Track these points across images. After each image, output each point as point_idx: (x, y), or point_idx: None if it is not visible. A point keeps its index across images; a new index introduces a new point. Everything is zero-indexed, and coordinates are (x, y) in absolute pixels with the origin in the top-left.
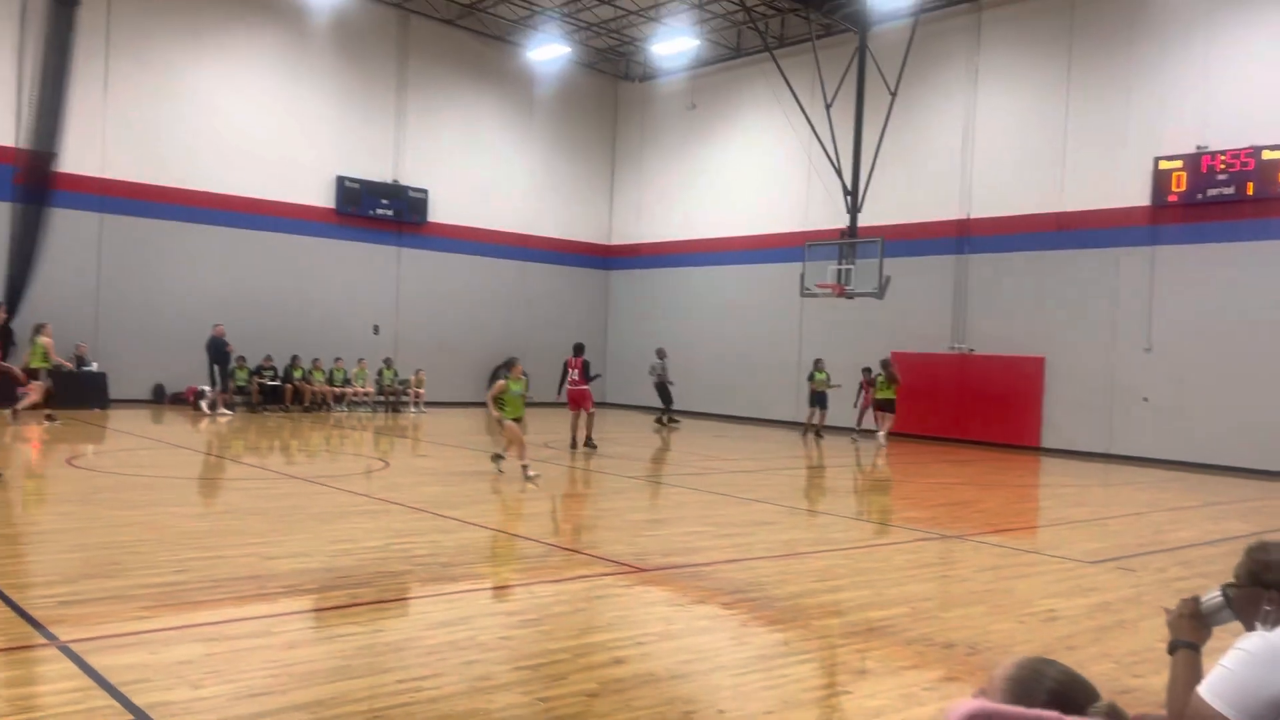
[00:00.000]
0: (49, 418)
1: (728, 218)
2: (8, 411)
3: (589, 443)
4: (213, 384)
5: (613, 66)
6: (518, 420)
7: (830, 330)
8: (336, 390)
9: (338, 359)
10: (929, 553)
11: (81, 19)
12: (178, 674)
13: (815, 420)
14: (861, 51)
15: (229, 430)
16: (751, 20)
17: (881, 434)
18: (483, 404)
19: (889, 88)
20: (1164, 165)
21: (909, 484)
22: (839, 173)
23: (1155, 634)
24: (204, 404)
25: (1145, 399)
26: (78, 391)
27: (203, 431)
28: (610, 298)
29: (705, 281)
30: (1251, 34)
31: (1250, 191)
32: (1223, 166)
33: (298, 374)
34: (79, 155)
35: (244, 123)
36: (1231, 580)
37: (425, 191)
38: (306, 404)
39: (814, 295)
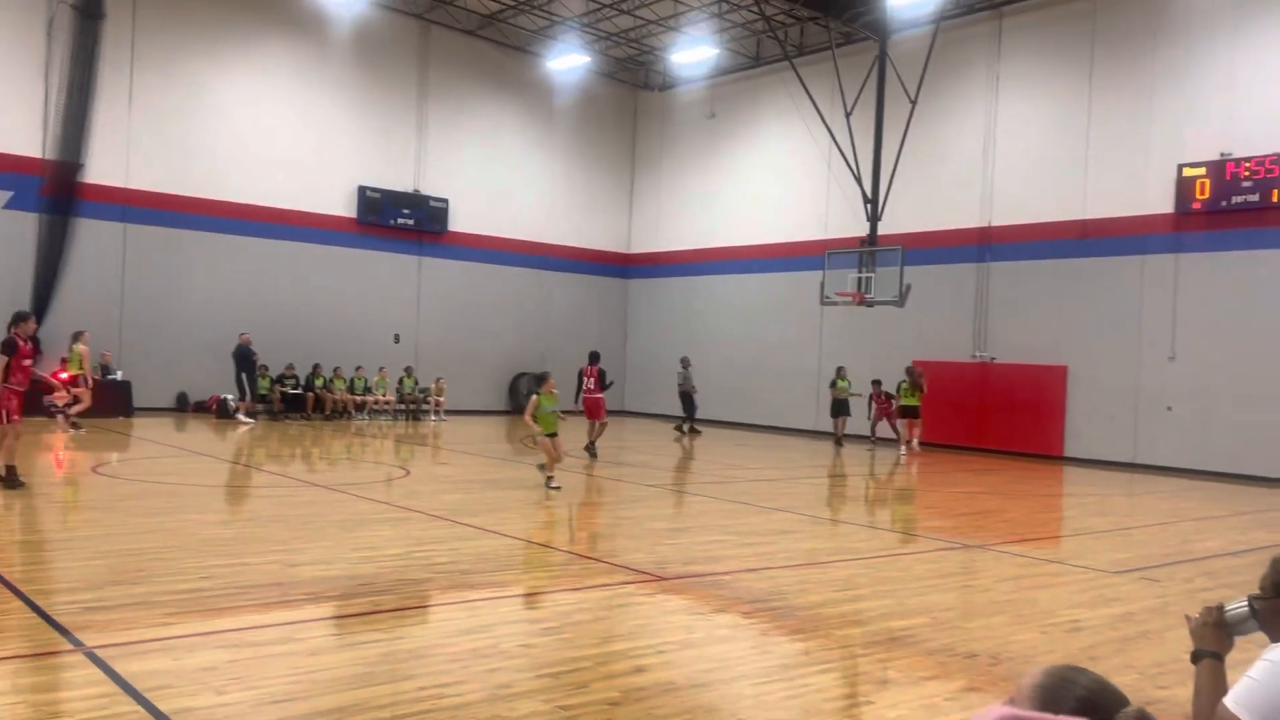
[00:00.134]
0: (74, 424)
1: (747, 226)
2: (63, 419)
3: (591, 449)
4: (240, 393)
5: (632, 76)
6: (553, 436)
7: (850, 339)
8: (357, 398)
9: (359, 367)
10: (951, 562)
11: (107, 33)
12: (202, 680)
13: (841, 429)
14: (881, 59)
15: (251, 438)
16: (771, 29)
17: (914, 442)
18: (502, 412)
19: (909, 96)
20: (1188, 172)
21: (931, 493)
22: (859, 181)
23: (1180, 645)
24: (241, 414)
25: (1169, 408)
26: (102, 400)
27: (225, 439)
28: (629, 306)
29: (725, 290)
30: (1276, 39)
31: (1275, 199)
32: (1247, 173)
33: (319, 382)
34: (104, 166)
35: (266, 133)
36: (1257, 591)
37: (445, 201)
38: (328, 412)
39: (834, 304)
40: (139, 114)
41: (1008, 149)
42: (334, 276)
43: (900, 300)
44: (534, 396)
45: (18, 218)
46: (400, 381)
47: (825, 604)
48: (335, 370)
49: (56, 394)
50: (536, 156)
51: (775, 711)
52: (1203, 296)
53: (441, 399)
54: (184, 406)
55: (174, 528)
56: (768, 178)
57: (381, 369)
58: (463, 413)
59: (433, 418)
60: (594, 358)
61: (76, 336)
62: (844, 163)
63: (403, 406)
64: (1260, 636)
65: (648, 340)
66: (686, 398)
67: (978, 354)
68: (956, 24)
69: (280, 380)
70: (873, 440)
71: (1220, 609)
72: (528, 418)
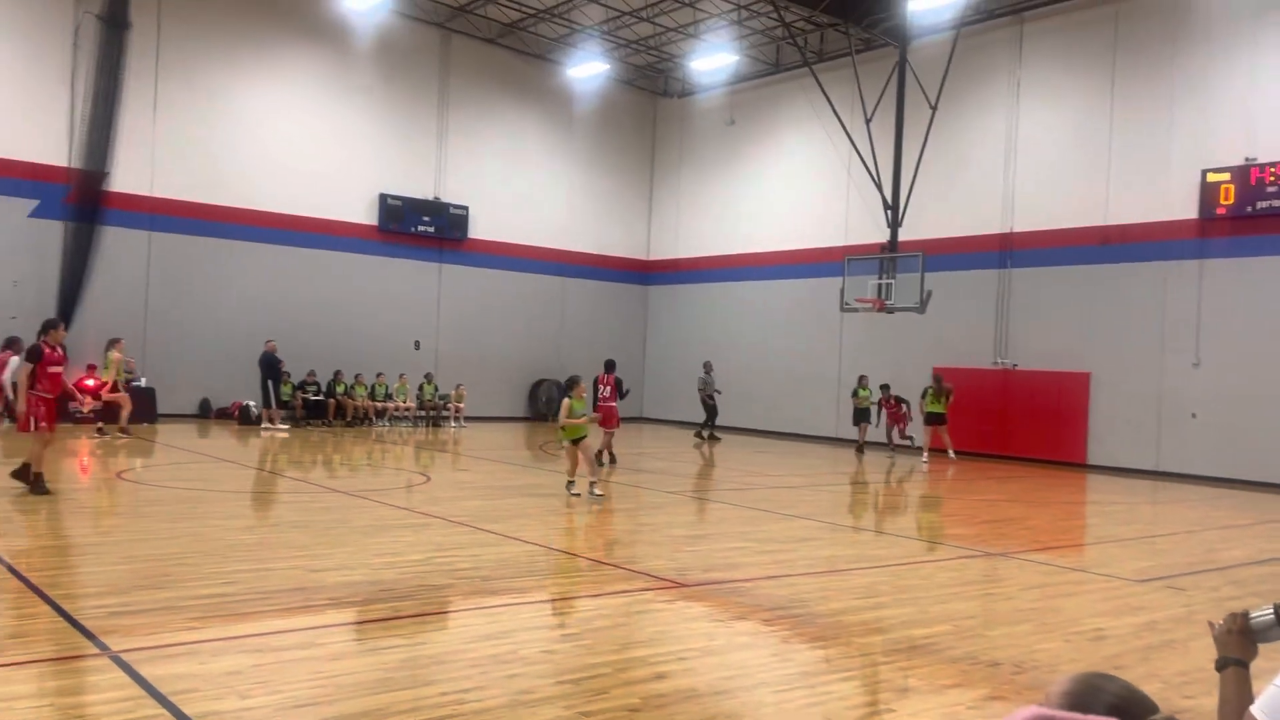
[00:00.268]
0: (100, 431)
1: (766, 233)
2: (114, 428)
3: (610, 458)
4: (265, 400)
5: (651, 83)
6: (580, 440)
7: (871, 345)
8: (378, 405)
9: (379, 374)
10: (973, 570)
11: (132, 42)
12: (226, 684)
13: (863, 436)
14: (901, 66)
15: (273, 445)
16: (790, 35)
17: (950, 452)
18: (522, 418)
19: (929, 102)
20: (1212, 178)
21: (953, 500)
22: (879, 187)
23: (1206, 654)
24: (275, 422)
25: (1194, 415)
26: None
27: (248, 446)
28: (649, 313)
29: (744, 297)
30: None
31: None
32: (1272, 178)
33: (340, 389)
34: (128, 174)
35: (289, 142)
36: None
37: (466, 208)
38: (349, 419)
39: (854, 310)
40: (163, 123)
41: (1029, 155)
42: (355, 283)
43: (921, 307)
44: (565, 400)
45: (44, 226)
46: (420, 388)
47: (846, 611)
48: (356, 377)
49: (79, 401)
50: (556, 163)
51: (796, 719)
52: (1228, 302)
53: (461, 405)
54: (207, 413)
55: (198, 533)
56: (787, 184)
57: (402, 375)
58: (482, 419)
59: (453, 424)
60: (609, 366)
61: (111, 344)
62: (864, 169)
63: (423, 413)
64: None
65: (666, 347)
66: (708, 402)
67: (999, 361)
68: (977, 30)
69: (302, 387)
70: (891, 447)
71: (1245, 616)
72: (563, 421)
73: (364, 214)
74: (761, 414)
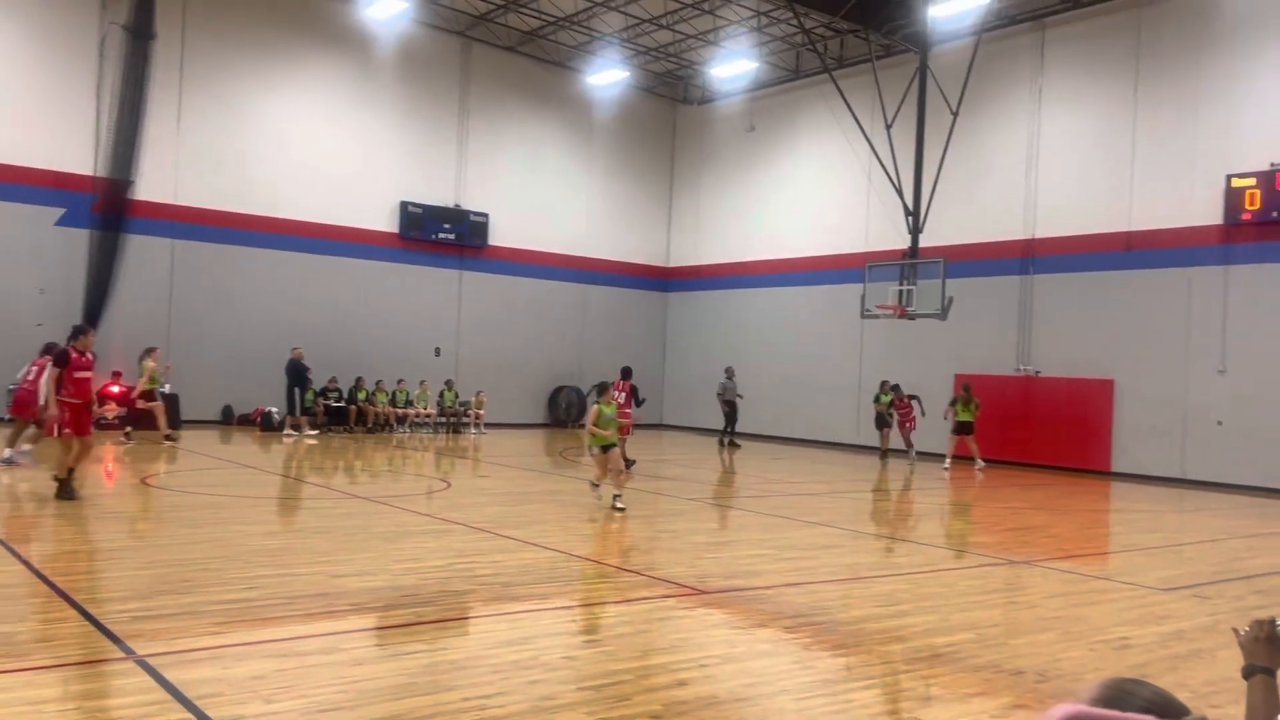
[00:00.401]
0: (127, 436)
1: (787, 239)
2: (159, 434)
3: (624, 463)
4: (290, 407)
5: (671, 90)
6: (610, 447)
7: (892, 352)
8: (399, 411)
9: (400, 380)
10: (996, 578)
11: (157, 53)
12: (250, 688)
13: (885, 445)
14: (922, 72)
15: (295, 451)
16: (810, 42)
17: (977, 462)
18: (541, 425)
19: (950, 108)
20: (1236, 183)
21: (975, 508)
22: (900, 193)
23: (1232, 663)
24: (305, 429)
25: (1219, 422)
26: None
27: (270, 452)
28: (668, 320)
29: (764, 303)
30: None
31: None
32: None
33: (361, 395)
34: (153, 183)
35: (311, 150)
36: None
37: (486, 215)
38: (370, 425)
39: (875, 316)
40: (187, 132)
41: (1051, 161)
42: (376, 290)
43: (942, 313)
44: (594, 406)
45: (70, 234)
46: (441, 394)
47: (868, 619)
48: (377, 383)
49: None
50: (576, 171)
51: None
52: (1254, 308)
53: (481, 412)
54: (229, 419)
55: (221, 538)
56: (807, 190)
57: (422, 382)
58: (502, 426)
59: (473, 430)
60: (625, 373)
61: (146, 353)
62: (884, 175)
63: (443, 419)
64: None
65: (686, 354)
66: (729, 408)
67: (1022, 368)
68: (998, 36)
69: (324, 393)
70: (910, 453)
71: (1272, 623)
72: (590, 427)
73: (385, 221)
74: (781, 420)
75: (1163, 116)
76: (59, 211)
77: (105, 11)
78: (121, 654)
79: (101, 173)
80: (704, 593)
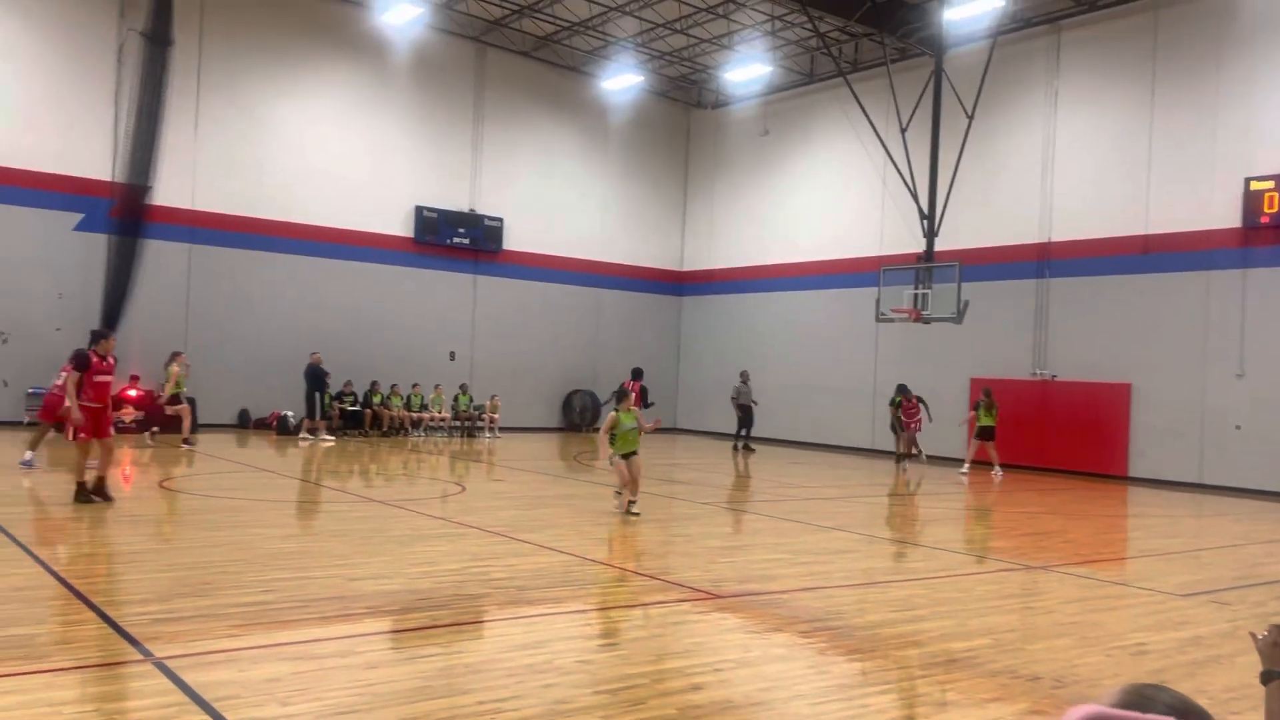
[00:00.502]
0: (153, 435)
1: (801, 243)
2: (179, 438)
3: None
4: (310, 412)
5: (685, 94)
6: (631, 455)
7: (907, 356)
8: (414, 415)
9: (415, 385)
10: (1012, 583)
11: (174, 59)
12: (267, 691)
13: (902, 449)
14: (937, 75)
15: (312, 455)
16: (825, 45)
17: (995, 468)
18: (556, 429)
19: (966, 111)
20: (1255, 185)
21: (992, 513)
22: (915, 197)
23: (1252, 670)
24: (321, 433)
25: (1238, 427)
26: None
27: (286, 456)
28: (682, 324)
29: (778, 307)
30: None
31: None
32: None
33: (377, 399)
34: (170, 188)
35: (327, 156)
36: None
37: (500, 220)
38: (385, 429)
39: (890, 320)
40: (204, 138)
41: (1067, 164)
42: (391, 295)
43: (958, 317)
44: (612, 413)
45: (88, 239)
46: (455, 398)
47: (883, 624)
48: (392, 387)
49: (122, 411)
50: (590, 175)
51: None
52: (1272, 312)
53: (496, 416)
54: (246, 423)
55: (238, 541)
56: (822, 194)
57: (437, 386)
58: (516, 430)
59: (487, 434)
60: (636, 374)
61: (173, 358)
62: (899, 179)
63: (458, 423)
64: None
65: (700, 358)
66: (745, 411)
67: (1038, 372)
68: (1013, 38)
69: (339, 397)
70: (920, 456)
71: None
72: (604, 435)
73: (400, 226)
74: (796, 424)
75: (1180, 119)
76: (77, 217)
77: (123, 19)
78: (140, 656)
79: (119, 178)
80: (719, 597)
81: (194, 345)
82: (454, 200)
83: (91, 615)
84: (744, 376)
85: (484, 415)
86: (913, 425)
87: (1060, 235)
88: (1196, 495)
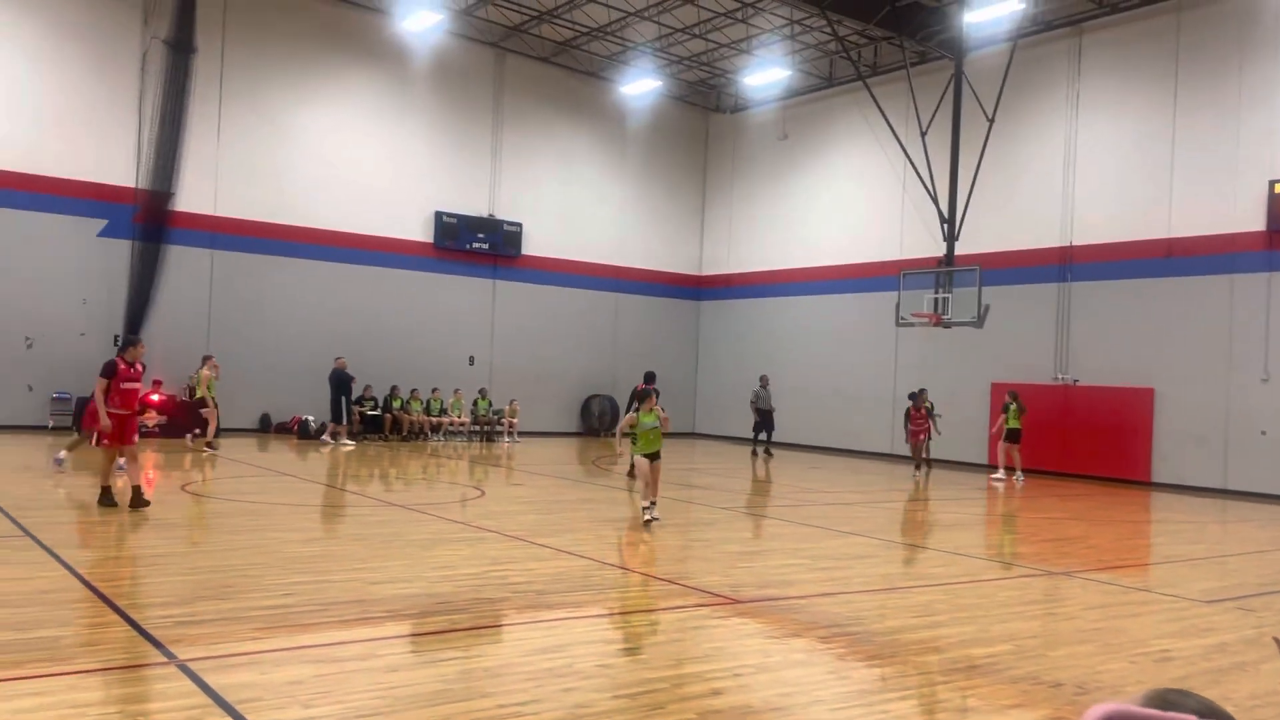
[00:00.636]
0: (194, 438)
1: (820, 247)
2: (202, 441)
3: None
4: (335, 415)
5: (704, 99)
6: (652, 457)
7: (927, 360)
8: (433, 420)
9: (434, 389)
10: (1034, 589)
11: (197, 67)
12: (289, 693)
13: (913, 456)
14: (957, 78)
15: (332, 459)
16: (844, 49)
17: (1018, 473)
18: (574, 433)
19: (986, 114)
20: None
21: (1013, 518)
22: (935, 200)
23: (1277, 677)
24: (342, 437)
25: (1263, 432)
26: (191, 421)
27: (307, 460)
28: (701, 328)
29: (797, 312)
30: None
31: None
32: None
33: (396, 404)
34: (193, 194)
35: (348, 162)
36: None
37: (519, 225)
38: (404, 433)
39: (910, 325)
40: (226, 144)
41: (1088, 167)
42: (411, 300)
43: (979, 321)
44: (631, 413)
45: (112, 245)
46: (475, 403)
47: (903, 630)
48: (412, 392)
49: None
50: (609, 180)
51: None
52: None
53: (515, 420)
54: (267, 427)
55: (260, 545)
56: (841, 198)
57: (457, 391)
58: (535, 434)
59: (506, 439)
60: (648, 377)
61: (204, 361)
62: (919, 182)
63: (477, 428)
64: None
65: (719, 362)
66: (764, 416)
67: (1060, 376)
68: (1034, 41)
69: (359, 402)
70: (924, 461)
71: None
72: (619, 431)
73: (420, 231)
74: (816, 429)
75: (1203, 121)
76: (102, 223)
77: (147, 27)
78: (163, 658)
79: (143, 185)
80: (738, 602)
81: (215, 349)
82: (473, 205)
83: (115, 618)
84: (763, 381)
85: (503, 420)
86: (922, 436)
87: (1082, 239)
88: (1221, 501)
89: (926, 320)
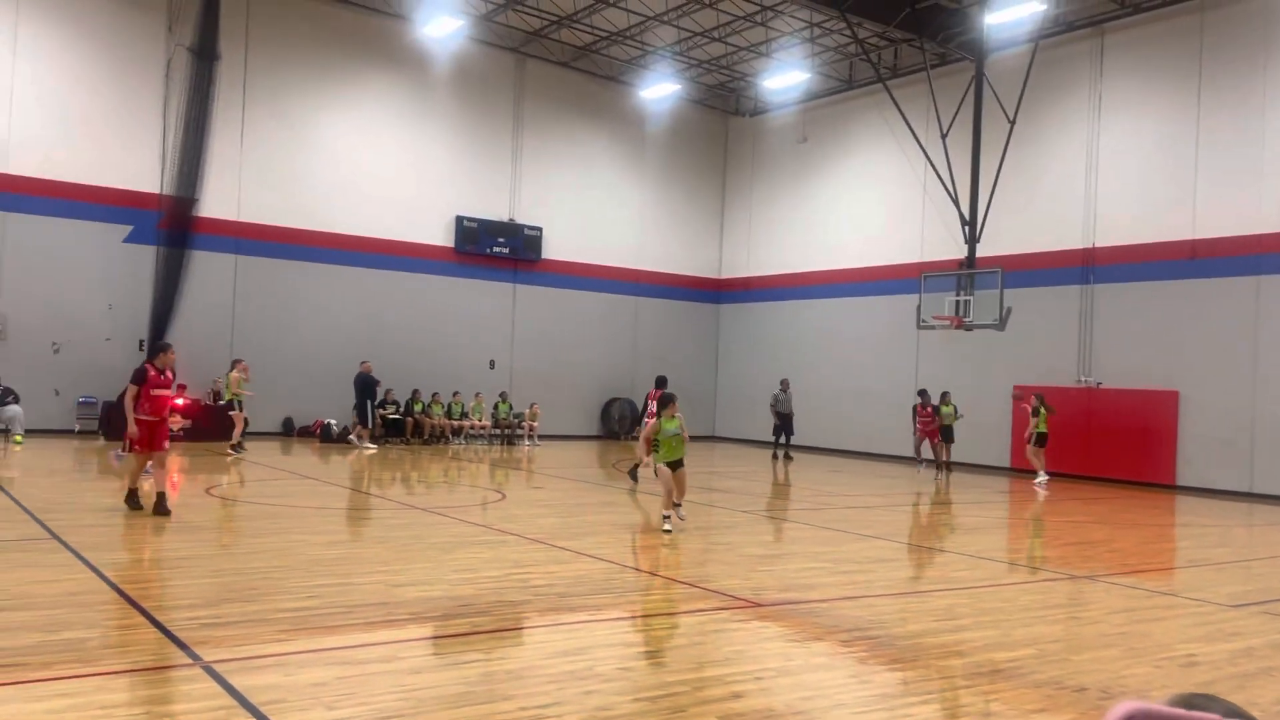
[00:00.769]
0: (234, 448)
1: (840, 250)
2: (228, 444)
3: (633, 473)
4: (361, 419)
5: (723, 102)
6: (676, 464)
7: (949, 364)
8: (454, 423)
9: (455, 393)
10: (1057, 593)
11: (220, 74)
12: (313, 695)
13: (945, 456)
14: (978, 80)
15: (355, 462)
16: (864, 51)
17: (1041, 477)
18: (594, 437)
19: (1007, 116)
20: None
21: (1035, 522)
22: (956, 203)
23: None
24: (364, 440)
25: None
26: (215, 425)
27: (330, 463)
28: (721, 331)
29: (817, 315)
30: None
31: None
32: None
33: (418, 408)
34: (216, 200)
35: (369, 167)
36: None
37: (540, 229)
38: (425, 437)
39: (931, 328)
40: (250, 150)
41: (1111, 169)
42: (432, 304)
43: (1000, 324)
44: (653, 420)
45: (137, 250)
46: (495, 407)
47: (925, 634)
48: (433, 395)
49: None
50: (628, 184)
51: None
52: None
53: (535, 424)
54: (290, 431)
55: (283, 548)
56: (861, 201)
57: (478, 394)
58: (556, 437)
59: (526, 442)
60: (660, 382)
61: (234, 365)
62: (940, 185)
63: (498, 431)
64: None
65: (739, 365)
66: (784, 419)
67: (1083, 379)
68: (1056, 42)
69: (381, 405)
70: (920, 462)
71: None
72: (644, 439)
73: (441, 236)
74: (837, 432)
75: (1227, 122)
76: (127, 229)
77: (171, 34)
78: (189, 660)
79: (167, 191)
80: (759, 605)
81: (239, 354)
82: (494, 210)
83: (142, 620)
84: (784, 385)
85: (523, 423)
86: (924, 432)
87: (1104, 240)
88: (1247, 504)
89: (948, 323)
